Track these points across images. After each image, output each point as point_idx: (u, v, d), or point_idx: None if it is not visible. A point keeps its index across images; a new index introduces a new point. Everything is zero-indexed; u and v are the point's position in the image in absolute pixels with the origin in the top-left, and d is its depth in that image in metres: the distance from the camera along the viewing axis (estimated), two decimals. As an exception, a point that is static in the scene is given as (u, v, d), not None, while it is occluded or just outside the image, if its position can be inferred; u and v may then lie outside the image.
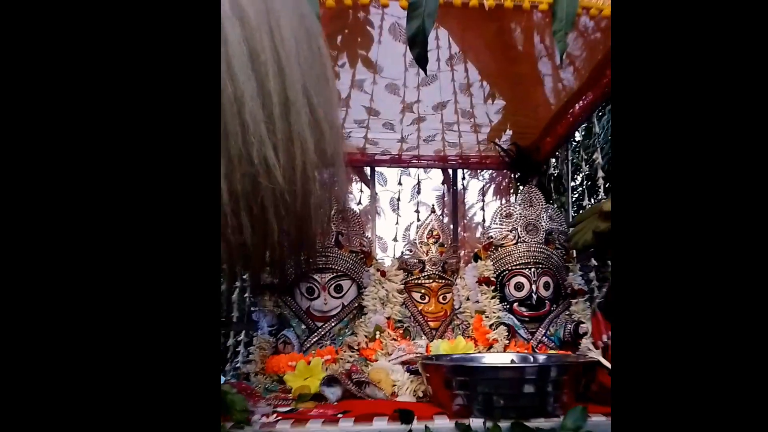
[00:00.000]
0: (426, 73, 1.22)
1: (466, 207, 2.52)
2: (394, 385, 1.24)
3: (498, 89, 2.10)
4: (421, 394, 1.21)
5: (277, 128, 0.63)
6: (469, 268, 1.72)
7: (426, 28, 1.05)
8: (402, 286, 1.65)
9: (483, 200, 2.49)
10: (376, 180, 2.47)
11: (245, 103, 0.60)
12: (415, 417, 0.92)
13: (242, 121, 0.60)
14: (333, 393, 1.17)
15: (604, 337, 1.10)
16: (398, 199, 2.50)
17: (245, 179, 0.61)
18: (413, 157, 2.41)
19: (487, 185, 2.46)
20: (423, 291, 1.64)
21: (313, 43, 0.70)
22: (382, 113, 1.98)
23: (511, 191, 2.41)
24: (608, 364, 1.02)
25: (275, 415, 0.95)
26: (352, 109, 1.88)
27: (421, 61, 1.08)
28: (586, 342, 1.24)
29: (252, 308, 1.50)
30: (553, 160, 2.38)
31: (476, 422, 0.94)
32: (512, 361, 1.25)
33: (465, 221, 2.52)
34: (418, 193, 2.51)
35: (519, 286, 1.64)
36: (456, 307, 1.68)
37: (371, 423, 0.92)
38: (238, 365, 1.53)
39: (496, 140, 2.23)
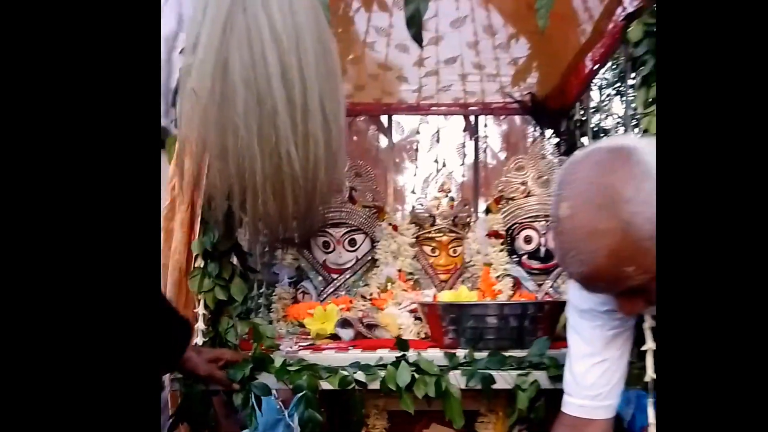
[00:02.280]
0: (422, 48, 1.63)
1: (488, 156, 2.93)
2: (400, 328, 1.72)
3: (521, 31, 2.46)
4: (423, 335, 1.69)
5: (298, 130, 1.07)
6: (480, 221, 2.16)
7: (421, 11, 1.46)
8: (413, 240, 2.09)
9: (507, 149, 2.90)
10: (393, 129, 2.90)
11: (278, 113, 1.05)
12: (411, 347, 1.39)
13: (275, 125, 1.05)
14: (346, 333, 1.65)
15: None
16: (416, 149, 2.92)
17: (273, 167, 1.06)
18: (432, 104, 2.81)
19: (506, 132, 2.86)
20: (434, 245, 2.08)
21: (329, 58, 1.15)
22: (395, 69, 2.39)
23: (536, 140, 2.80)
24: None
25: (297, 346, 1.44)
26: (365, 65, 2.30)
27: (418, 40, 1.49)
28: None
29: (273, 262, 1.99)
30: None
31: (462, 352, 1.41)
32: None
33: (486, 171, 2.94)
34: (438, 142, 2.93)
35: (528, 239, 2.04)
36: (466, 260, 2.12)
37: (375, 351, 1.40)
38: (260, 313, 2.03)
39: (507, 89, 2.62)
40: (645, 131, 1.37)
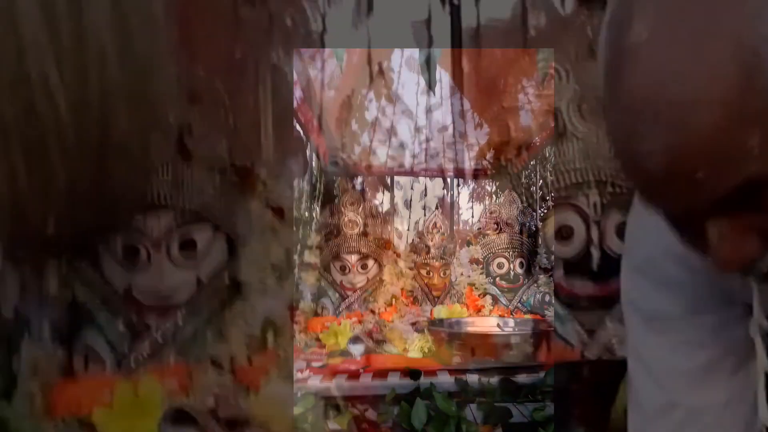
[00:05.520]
0: (434, 92, 1.07)
1: (459, 207, 2.37)
2: (406, 343, 1.09)
3: (484, 119, 1.94)
4: (426, 350, 1.06)
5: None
6: (464, 251, 1.60)
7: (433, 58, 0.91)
8: (413, 265, 1.52)
9: (471, 202, 2.35)
10: (394, 186, 2.34)
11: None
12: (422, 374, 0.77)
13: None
14: (357, 350, 1.02)
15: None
16: (410, 200, 2.36)
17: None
18: (422, 169, 2.27)
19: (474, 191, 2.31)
20: (428, 268, 1.51)
21: None
22: (399, 134, 1.84)
23: (494, 196, 2.25)
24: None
25: (308, 370, 0.81)
26: (377, 133, 1.75)
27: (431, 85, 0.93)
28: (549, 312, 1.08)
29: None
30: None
31: (471, 377, 0.78)
32: (498, 325, 1.09)
33: (459, 216, 2.37)
34: (425, 195, 2.38)
35: (500, 265, 1.54)
36: (453, 280, 1.55)
37: (386, 378, 0.77)
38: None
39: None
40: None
